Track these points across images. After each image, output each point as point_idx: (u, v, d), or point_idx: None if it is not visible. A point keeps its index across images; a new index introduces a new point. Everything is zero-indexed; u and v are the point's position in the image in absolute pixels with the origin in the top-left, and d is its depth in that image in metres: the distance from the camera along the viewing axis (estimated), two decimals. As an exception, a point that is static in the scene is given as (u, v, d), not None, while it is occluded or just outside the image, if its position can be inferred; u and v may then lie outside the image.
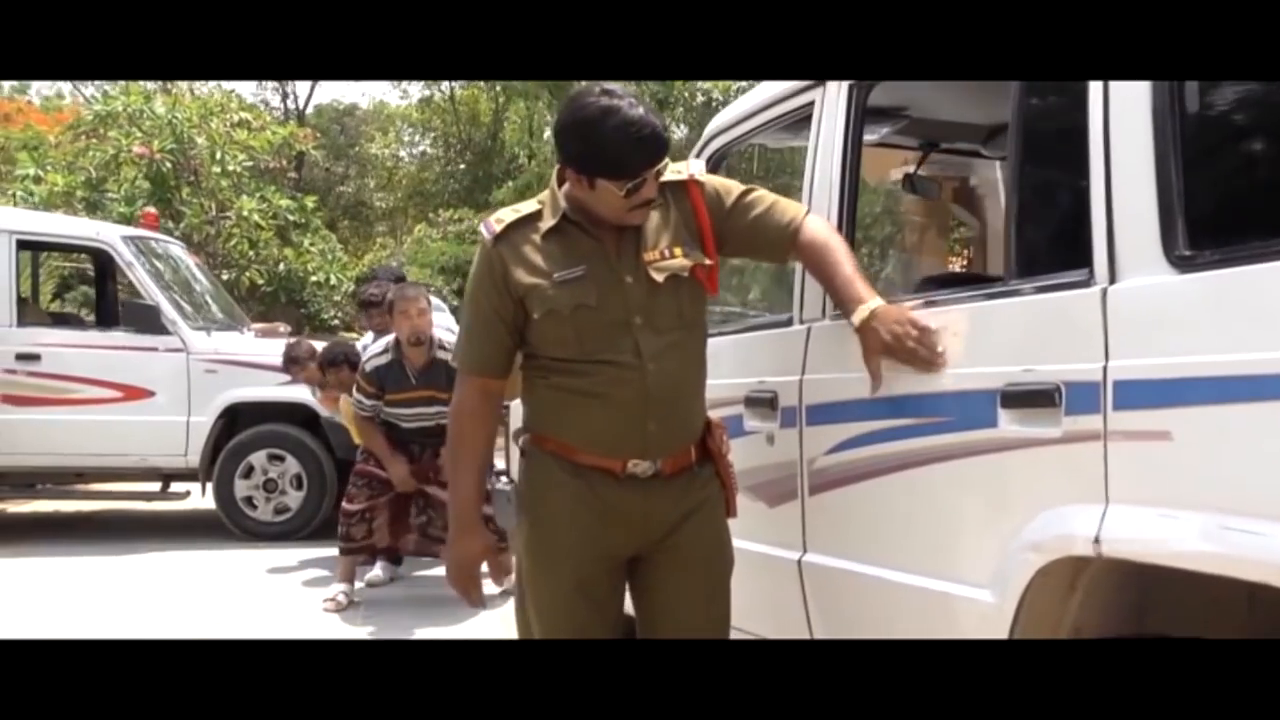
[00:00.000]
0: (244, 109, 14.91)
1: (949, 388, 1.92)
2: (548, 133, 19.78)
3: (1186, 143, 1.58)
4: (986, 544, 1.83)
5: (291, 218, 14.39)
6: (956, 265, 4.92)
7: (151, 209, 8.35)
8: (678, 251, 2.12)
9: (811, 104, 2.43)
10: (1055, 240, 1.87)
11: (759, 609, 2.40)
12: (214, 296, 7.54)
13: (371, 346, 5.10)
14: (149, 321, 6.44)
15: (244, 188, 13.11)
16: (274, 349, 6.67)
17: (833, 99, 2.36)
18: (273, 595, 5.17)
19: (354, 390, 4.85)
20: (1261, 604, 1.60)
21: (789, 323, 2.42)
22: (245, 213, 12.71)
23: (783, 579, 2.33)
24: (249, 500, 6.49)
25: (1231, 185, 1.67)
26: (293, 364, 5.48)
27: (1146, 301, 1.59)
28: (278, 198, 14.37)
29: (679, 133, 18.30)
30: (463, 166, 22.48)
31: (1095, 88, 1.71)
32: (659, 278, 2.10)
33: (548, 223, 2.13)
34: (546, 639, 2.18)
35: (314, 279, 14.15)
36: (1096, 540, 1.61)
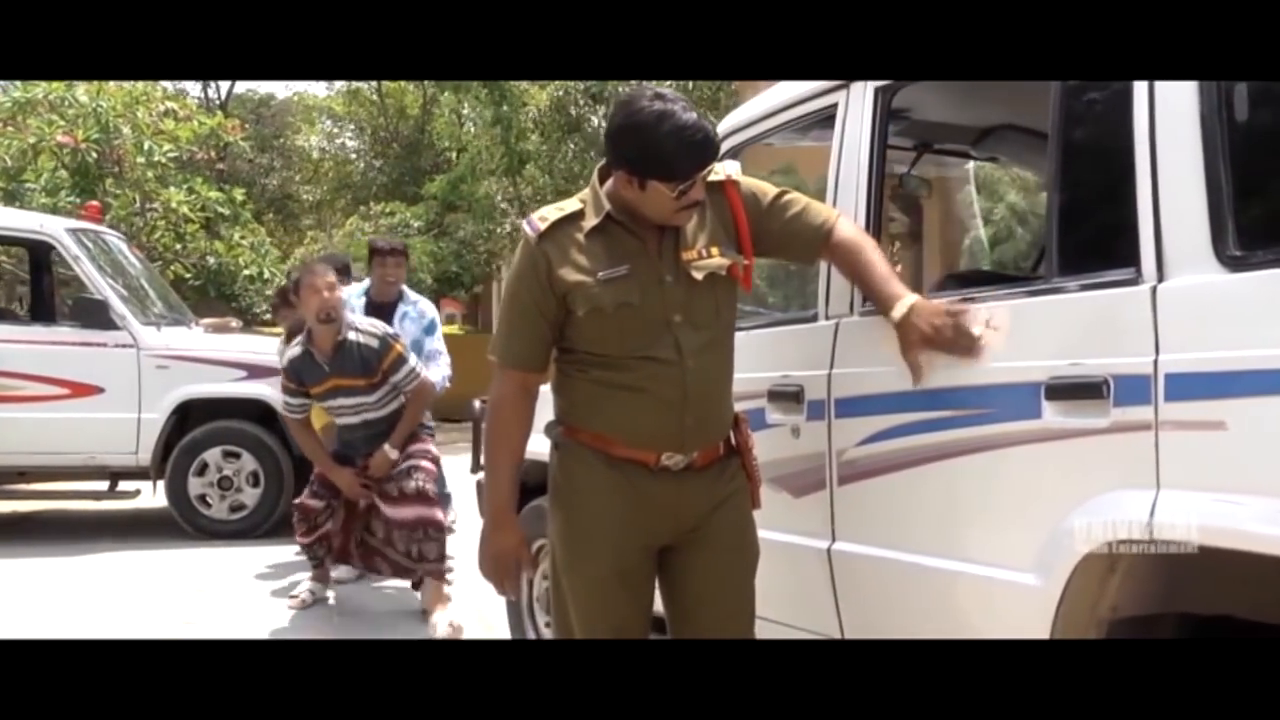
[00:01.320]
0: (168, 98, 14.54)
1: (990, 381, 2.00)
2: (471, 126, 19.76)
3: (1235, 148, 1.68)
4: (1030, 530, 1.92)
5: (221, 210, 14.14)
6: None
7: (94, 201, 8.11)
8: (715, 251, 2.18)
9: (834, 106, 2.49)
10: (1098, 241, 1.96)
11: (784, 597, 2.46)
12: (158, 291, 7.38)
13: (357, 294, 5.04)
14: (97, 317, 6.27)
15: (170, 179, 12.82)
16: (228, 345, 6.59)
17: (857, 102, 2.43)
18: (234, 593, 5.10)
19: (280, 390, 4.56)
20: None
21: (814, 319, 2.49)
22: (174, 205, 12.43)
23: (810, 567, 2.40)
24: (203, 498, 6.37)
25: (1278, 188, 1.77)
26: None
27: (1198, 299, 1.69)
28: (206, 189, 14.08)
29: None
30: (391, 159, 22.24)
31: (1140, 91, 1.80)
32: (698, 276, 2.16)
33: (591, 222, 2.17)
34: (582, 626, 2.23)
35: (246, 273, 13.89)
36: (1149, 524, 1.70)
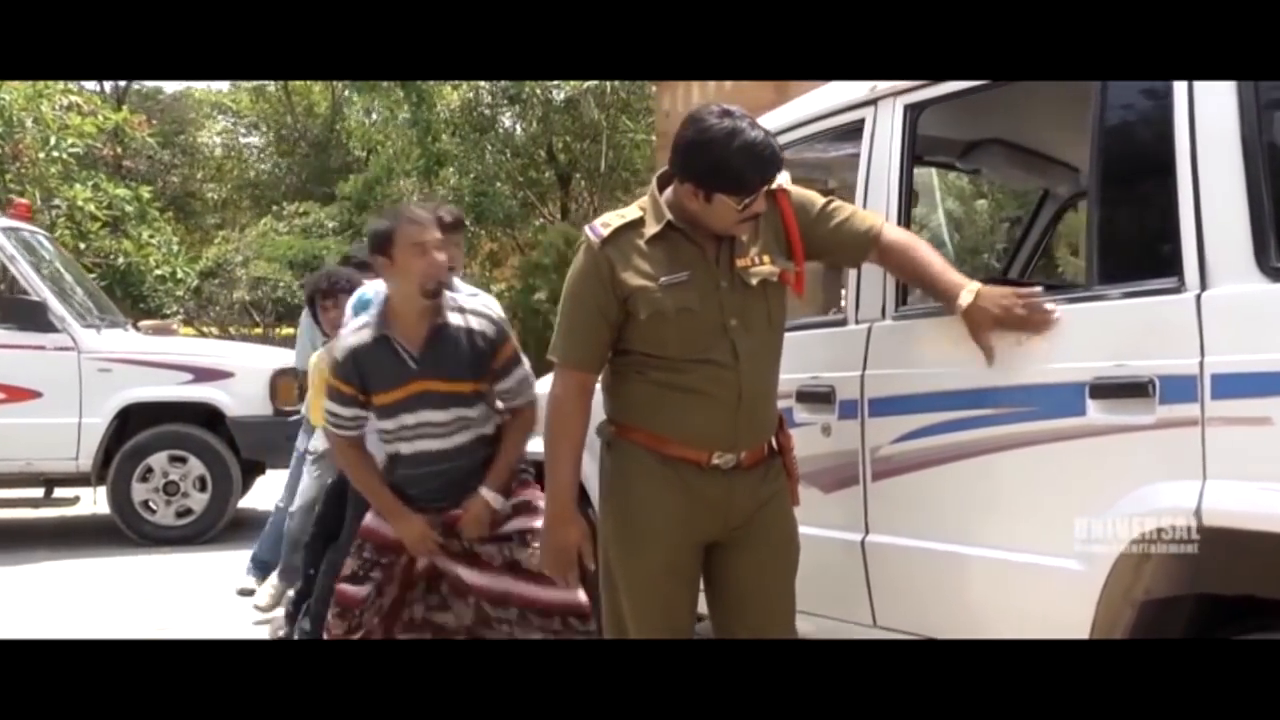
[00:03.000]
0: (70, 91, 14.07)
1: (1033, 381, 2.15)
2: (384, 126, 19.53)
3: (1276, 165, 1.85)
4: (1073, 519, 2.07)
5: (127, 208, 13.74)
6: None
7: (23, 199, 7.83)
8: (767, 259, 2.29)
9: (862, 121, 2.63)
10: (1139, 252, 2.12)
11: (817, 588, 2.57)
12: (89, 292, 7.18)
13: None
14: (34, 319, 6.09)
15: (74, 175, 12.41)
16: (173, 347, 6.47)
17: (886, 117, 2.57)
18: (201, 598, 5.02)
19: (326, 397, 2.98)
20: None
21: (843, 322, 2.61)
22: (79, 202, 12.03)
23: (844, 559, 2.52)
24: (146, 504, 6.24)
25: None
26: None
27: (1242, 306, 1.85)
28: (112, 187, 13.67)
29: (533, 129, 18.40)
30: (297, 158, 21.87)
31: (1181, 107, 1.96)
32: (752, 282, 2.26)
33: (651, 229, 2.26)
34: (636, 620, 2.32)
35: (157, 273, 13.53)
36: (1197, 512, 1.86)
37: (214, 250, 15.80)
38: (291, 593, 4.25)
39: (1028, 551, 2.15)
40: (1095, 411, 2.04)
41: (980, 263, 9.73)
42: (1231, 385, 1.84)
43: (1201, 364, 1.88)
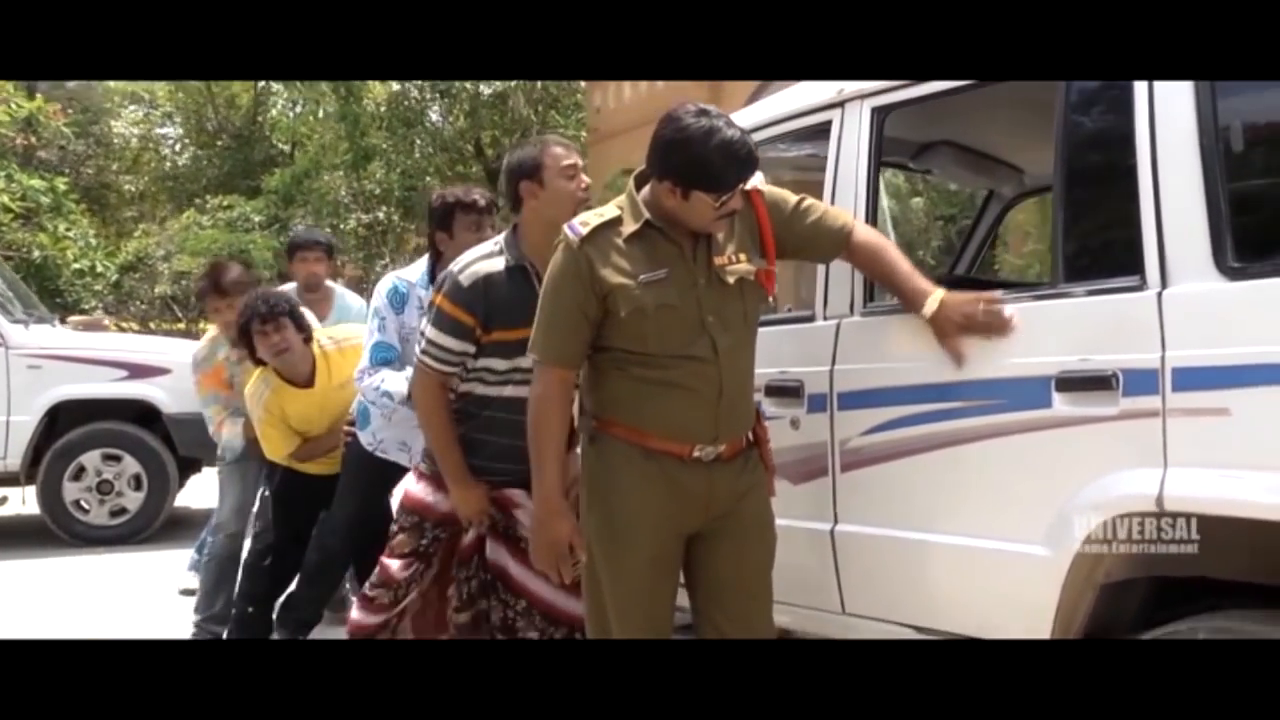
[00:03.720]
0: (-23, 79, 13.59)
1: (1000, 375, 2.24)
2: (310, 119, 19.26)
3: (1231, 171, 1.96)
4: (1039, 506, 2.16)
5: (43, 200, 13.35)
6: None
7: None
8: (743, 257, 2.36)
9: (829, 122, 2.70)
10: (1102, 251, 2.23)
11: (786, 578, 2.63)
12: (12, 286, 6.98)
13: (421, 280, 3.32)
14: (-41, 315, 5.92)
15: (-16, 166, 12.05)
16: (106, 343, 6.33)
17: (853, 119, 2.64)
18: (135, 601, 4.93)
19: (428, 324, 2.71)
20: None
21: (811, 318, 2.68)
22: (-9, 194, 11.68)
23: (813, 548, 2.59)
24: (78, 504, 6.09)
25: (1272, 205, 2.07)
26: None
27: (1201, 304, 1.96)
28: (27, 177, 13.27)
29: (461, 123, 18.30)
30: (218, 150, 21.39)
31: (1141, 112, 2.06)
32: (729, 280, 2.33)
33: (629, 228, 2.31)
34: (618, 614, 2.37)
35: (75, 267, 13.16)
36: (1159, 498, 1.97)
37: (134, 244, 15.39)
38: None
39: (995, 538, 2.24)
40: (1060, 404, 2.13)
41: (916, 259, 9.95)
42: (1191, 378, 1.95)
43: (1163, 358, 1.98)
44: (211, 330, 4.18)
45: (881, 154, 2.64)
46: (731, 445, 2.37)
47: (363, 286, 16.72)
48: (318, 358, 3.62)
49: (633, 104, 15.97)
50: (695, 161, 2.20)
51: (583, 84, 17.33)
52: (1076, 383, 2.11)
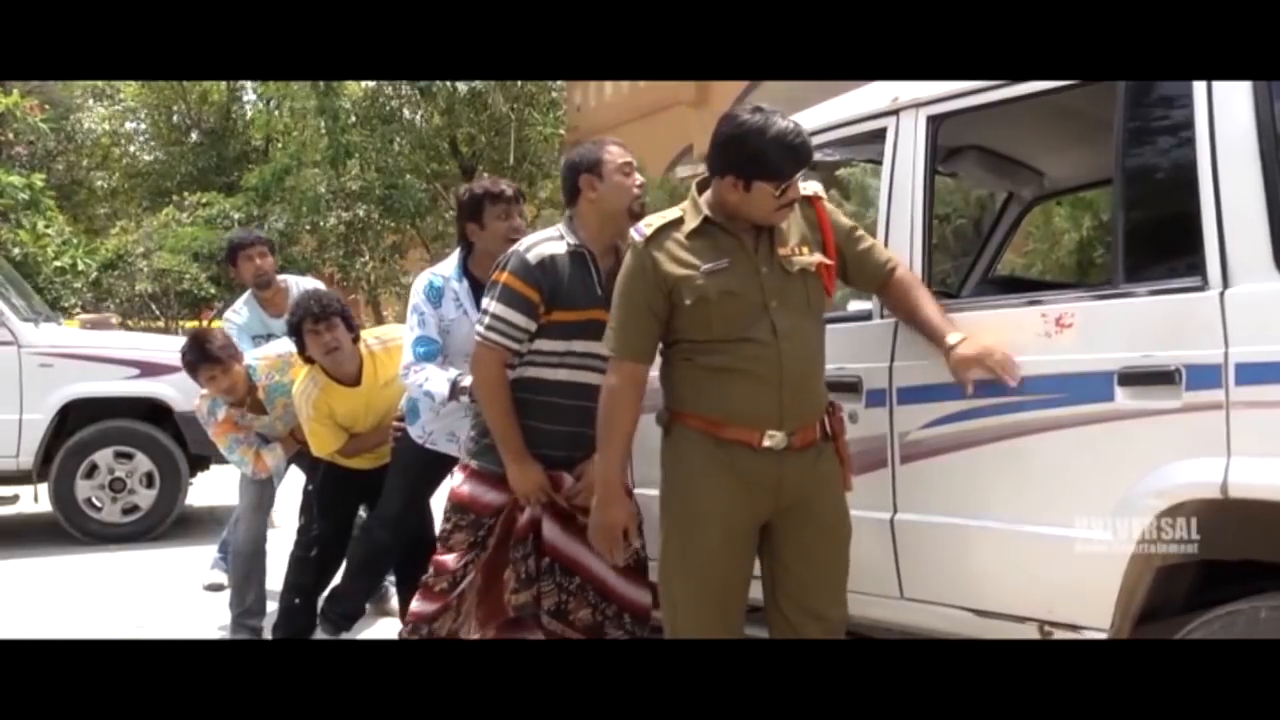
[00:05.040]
0: (-48, 75, 13.44)
1: (1061, 371, 2.36)
2: (285, 115, 19.12)
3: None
4: (1103, 495, 2.29)
5: (21, 196, 13.24)
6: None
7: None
8: (806, 250, 2.50)
9: (884, 130, 2.81)
10: (1164, 253, 2.36)
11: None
12: (16, 285, 6.96)
13: (454, 274, 3.40)
14: (-34, 313, 5.91)
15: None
16: (117, 341, 6.34)
17: (908, 128, 2.76)
18: (164, 598, 4.97)
19: (493, 300, 2.80)
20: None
21: (869, 316, 2.80)
22: (-34, 191, 11.56)
23: (872, 537, 2.71)
24: (91, 501, 6.11)
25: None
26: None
27: (1263, 303, 2.09)
28: (4, 174, 13.16)
29: (436, 121, 18.28)
30: (189, 146, 21.22)
31: (1201, 113, 2.19)
32: (792, 270, 2.46)
33: (690, 225, 2.47)
34: (690, 597, 2.50)
35: (56, 264, 13.06)
36: (1223, 485, 2.10)
37: (113, 241, 15.27)
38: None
39: (1058, 525, 2.37)
40: (1123, 397, 2.26)
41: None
42: (1254, 373, 2.08)
43: (1226, 354, 2.11)
44: (201, 391, 4.09)
45: (936, 161, 2.76)
46: (803, 436, 2.48)
47: (344, 285, 16.73)
48: (364, 357, 3.69)
49: (613, 102, 16.11)
50: (755, 153, 2.35)
51: (560, 82, 17.40)
52: (1139, 377, 2.23)
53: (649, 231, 2.48)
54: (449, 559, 2.94)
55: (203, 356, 3.90)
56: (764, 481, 2.45)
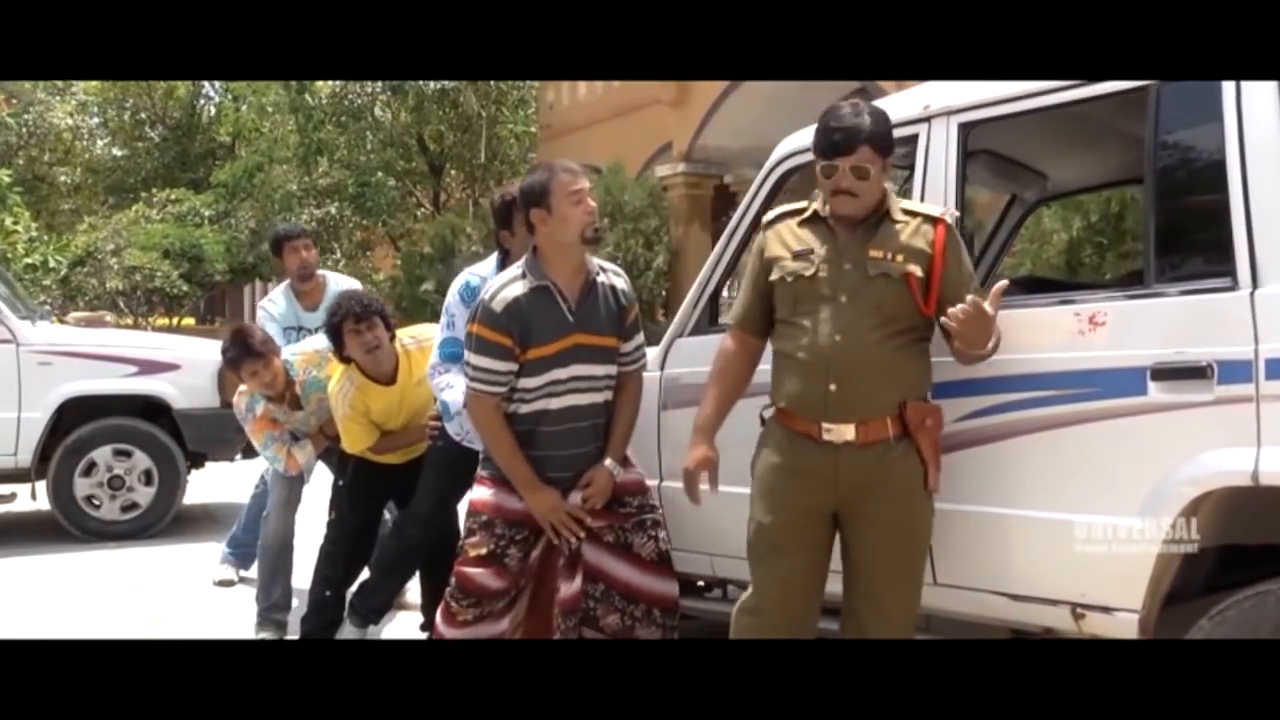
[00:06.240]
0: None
1: (1095, 366, 2.49)
2: (252, 113, 19.00)
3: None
4: (1136, 483, 2.42)
5: (-10, 193, 13.10)
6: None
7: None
8: (900, 258, 2.55)
9: (916, 136, 2.93)
10: (1194, 254, 2.49)
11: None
12: (8, 283, 6.91)
13: (491, 275, 3.29)
14: (-29, 312, 5.88)
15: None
16: (115, 340, 6.34)
17: (940, 134, 2.88)
18: (183, 592, 4.99)
19: (470, 352, 2.95)
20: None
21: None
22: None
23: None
24: (90, 499, 6.10)
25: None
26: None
27: (1292, 302, 2.24)
28: (-30, 171, 13.02)
29: (405, 118, 18.23)
30: (153, 142, 21.01)
31: (1230, 116, 2.32)
32: (872, 271, 2.54)
33: (804, 216, 2.65)
34: (754, 577, 2.68)
35: (27, 261, 12.92)
36: (1254, 473, 2.24)
37: (82, 238, 15.12)
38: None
39: (1092, 512, 2.49)
40: (1156, 391, 2.39)
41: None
42: (1284, 368, 2.23)
43: (1256, 351, 2.25)
44: (241, 387, 4.15)
45: (967, 168, 2.88)
46: (866, 432, 2.54)
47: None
48: (400, 356, 3.76)
49: (586, 101, 16.11)
50: (815, 133, 2.56)
51: (532, 81, 17.39)
52: (1172, 372, 2.37)
53: (771, 216, 2.72)
54: (474, 574, 2.99)
55: (246, 351, 3.94)
56: (818, 472, 2.56)
